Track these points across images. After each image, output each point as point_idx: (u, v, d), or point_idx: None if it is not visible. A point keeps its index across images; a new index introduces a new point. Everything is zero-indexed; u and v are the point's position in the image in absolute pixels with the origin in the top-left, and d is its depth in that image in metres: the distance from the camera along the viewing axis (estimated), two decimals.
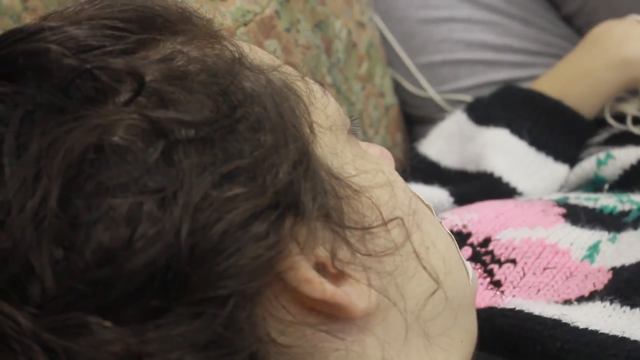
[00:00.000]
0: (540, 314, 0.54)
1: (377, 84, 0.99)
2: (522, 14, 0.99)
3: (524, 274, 0.62)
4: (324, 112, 0.46)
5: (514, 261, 0.63)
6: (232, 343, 0.39)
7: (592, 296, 0.56)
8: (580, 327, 0.52)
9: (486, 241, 0.65)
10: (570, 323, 0.52)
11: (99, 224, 0.36)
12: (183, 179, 0.37)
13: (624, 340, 0.50)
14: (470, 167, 0.84)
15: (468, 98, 0.96)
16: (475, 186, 0.81)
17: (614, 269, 0.58)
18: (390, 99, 1.02)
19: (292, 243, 0.40)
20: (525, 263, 0.62)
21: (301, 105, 0.44)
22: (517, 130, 0.83)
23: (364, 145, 0.50)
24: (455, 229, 0.67)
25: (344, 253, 0.42)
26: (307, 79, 0.47)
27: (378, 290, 0.43)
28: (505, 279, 0.62)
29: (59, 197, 0.36)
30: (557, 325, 0.52)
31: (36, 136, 0.37)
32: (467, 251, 0.65)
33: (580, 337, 0.51)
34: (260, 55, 0.47)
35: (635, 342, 0.50)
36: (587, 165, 0.81)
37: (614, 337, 0.50)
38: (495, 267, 0.63)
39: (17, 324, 0.36)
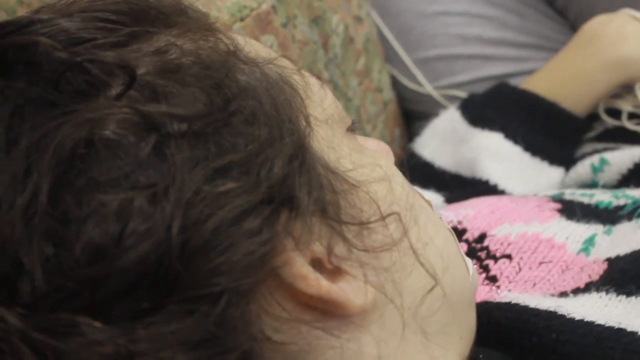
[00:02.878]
0: (536, 307, 0.53)
1: (374, 79, 0.98)
2: (519, 8, 0.98)
3: (520, 269, 0.61)
4: (320, 105, 0.46)
5: (509, 256, 0.62)
6: (225, 341, 0.38)
7: (588, 287, 0.56)
8: (577, 318, 0.51)
9: (482, 237, 0.65)
10: (566, 315, 0.52)
11: (89, 220, 0.36)
12: (175, 174, 0.37)
13: (620, 332, 0.50)
14: (465, 171, 0.84)
15: (465, 95, 0.95)
16: (470, 193, 0.80)
17: (609, 260, 0.58)
18: (388, 94, 1.02)
19: (287, 238, 0.39)
20: (521, 258, 0.62)
21: (297, 98, 0.43)
22: (512, 135, 0.82)
23: (361, 139, 0.50)
24: (450, 225, 0.66)
25: (340, 249, 0.41)
26: (303, 72, 0.46)
27: (375, 287, 0.42)
28: (501, 274, 0.61)
29: (49, 193, 0.36)
30: (552, 317, 0.52)
31: (26, 131, 0.37)
32: (463, 247, 0.64)
33: (577, 329, 0.51)
34: (256, 48, 0.46)
35: (632, 333, 0.49)
36: (582, 171, 0.80)
37: (611, 328, 0.50)
38: (490, 262, 0.63)
39: (6, 324, 0.35)
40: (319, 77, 0.50)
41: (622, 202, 0.68)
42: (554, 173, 0.83)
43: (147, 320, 0.36)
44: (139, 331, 0.36)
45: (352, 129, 0.48)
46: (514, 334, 0.52)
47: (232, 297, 0.37)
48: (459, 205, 0.72)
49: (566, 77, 0.83)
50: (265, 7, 0.79)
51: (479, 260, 0.63)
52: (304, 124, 0.43)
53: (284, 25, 0.81)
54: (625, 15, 0.83)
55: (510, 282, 0.61)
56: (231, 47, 0.43)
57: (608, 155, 0.78)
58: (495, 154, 0.82)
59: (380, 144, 0.52)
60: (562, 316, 0.52)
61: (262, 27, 0.78)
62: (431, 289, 0.45)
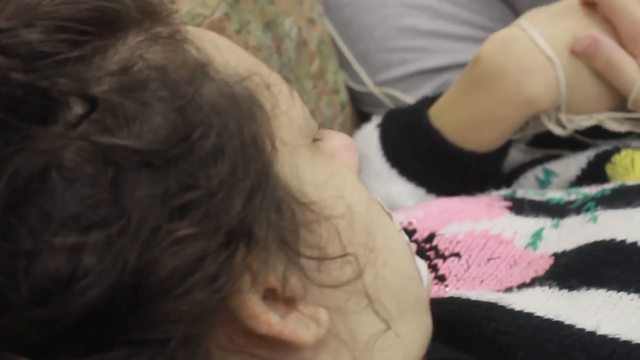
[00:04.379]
0: (477, 299, 0.54)
1: (329, 80, 0.99)
2: None
3: (469, 267, 0.62)
4: (289, 125, 0.44)
5: (458, 255, 0.63)
6: None
7: (533, 282, 0.57)
8: (516, 309, 0.52)
9: (430, 237, 0.66)
10: (506, 306, 0.52)
11: (40, 258, 0.35)
12: (131, 214, 0.36)
13: (558, 325, 0.50)
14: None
15: (402, 95, 0.96)
16: None
17: (555, 255, 0.59)
18: (345, 95, 1.03)
19: (242, 277, 0.39)
20: (470, 255, 0.63)
21: (265, 121, 0.42)
22: (435, 190, 0.80)
23: (326, 135, 0.48)
24: (400, 227, 0.67)
25: (295, 281, 0.41)
26: (273, 84, 0.44)
27: (326, 325, 0.42)
28: (450, 272, 0.62)
29: (1, 223, 0.35)
30: (492, 307, 0.53)
31: None
32: (412, 247, 0.65)
33: (515, 319, 0.51)
34: (227, 56, 0.44)
35: (569, 326, 0.50)
36: (528, 185, 0.80)
37: (549, 320, 0.50)
38: (439, 262, 0.63)
39: None
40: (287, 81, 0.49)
41: (573, 197, 0.68)
42: None
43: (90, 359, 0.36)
44: None
45: (318, 138, 0.47)
46: (456, 326, 0.53)
47: (181, 342, 0.37)
48: (410, 208, 0.73)
49: (477, 123, 0.79)
50: (218, 14, 0.79)
51: (428, 259, 0.64)
52: (270, 148, 0.41)
53: (238, 32, 0.82)
54: (523, 38, 0.77)
55: (458, 281, 0.61)
56: (200, 62, 0.41)
57: (552, 166, 0.78)
58: (417, 204, 0.80)
59: (344, 139, 0.51)
60: (502, 307, 0.52)
61: None
62: (385, 331, 0.44)
